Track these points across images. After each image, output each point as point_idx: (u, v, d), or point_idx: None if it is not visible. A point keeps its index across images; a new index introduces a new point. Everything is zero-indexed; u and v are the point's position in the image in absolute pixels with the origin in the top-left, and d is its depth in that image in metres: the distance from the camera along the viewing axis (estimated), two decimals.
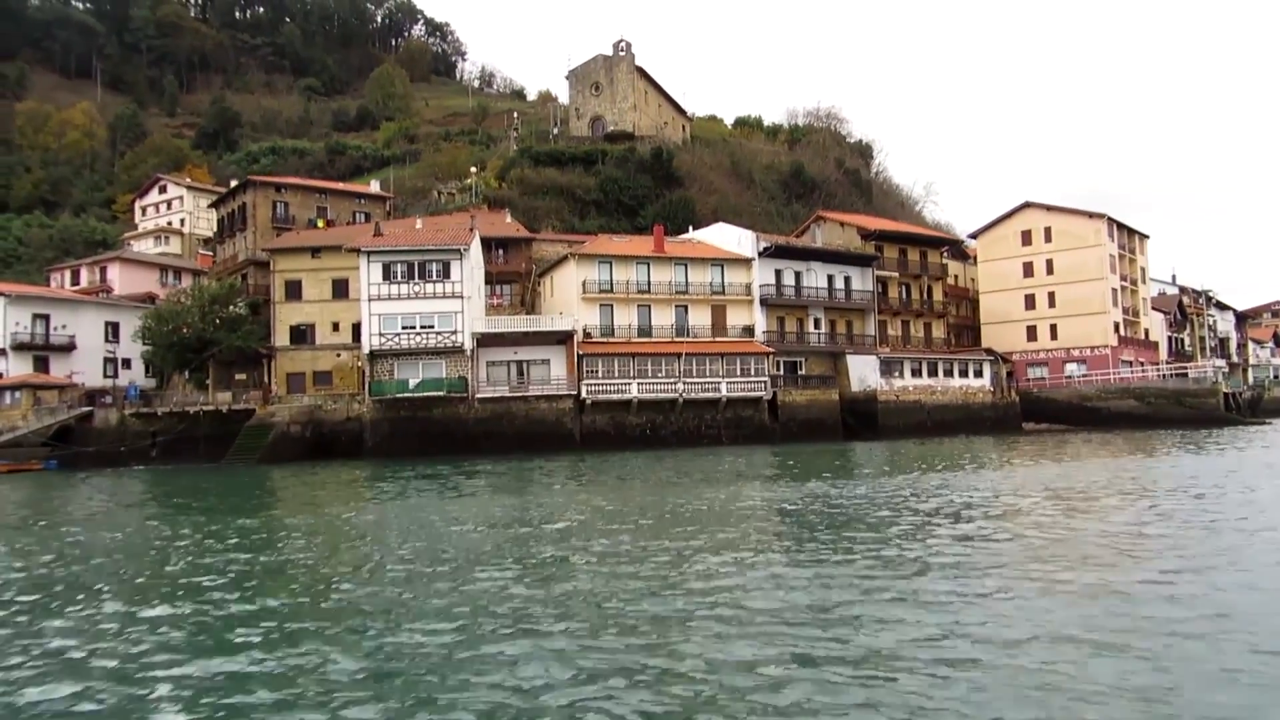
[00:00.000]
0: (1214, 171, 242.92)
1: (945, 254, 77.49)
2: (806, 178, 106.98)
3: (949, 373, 65.74)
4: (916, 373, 63.82)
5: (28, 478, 44.10)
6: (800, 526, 16.87)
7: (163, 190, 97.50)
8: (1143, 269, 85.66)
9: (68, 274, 74.22)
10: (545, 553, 14.85)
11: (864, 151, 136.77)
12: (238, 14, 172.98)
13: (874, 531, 16.40)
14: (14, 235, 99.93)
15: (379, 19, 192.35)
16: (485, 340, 53.64)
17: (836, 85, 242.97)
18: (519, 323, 55.20)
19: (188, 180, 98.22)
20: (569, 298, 57.48)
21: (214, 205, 76.17)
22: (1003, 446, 46.08)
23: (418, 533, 18.38)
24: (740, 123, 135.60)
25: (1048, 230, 78.37)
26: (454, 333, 52.54)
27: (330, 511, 23.19)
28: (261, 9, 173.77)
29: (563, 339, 54.58)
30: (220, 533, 19.65)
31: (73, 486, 37.23)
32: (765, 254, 61.06)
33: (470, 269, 53.64)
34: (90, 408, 53.77)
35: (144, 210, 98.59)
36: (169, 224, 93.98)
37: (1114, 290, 76.76)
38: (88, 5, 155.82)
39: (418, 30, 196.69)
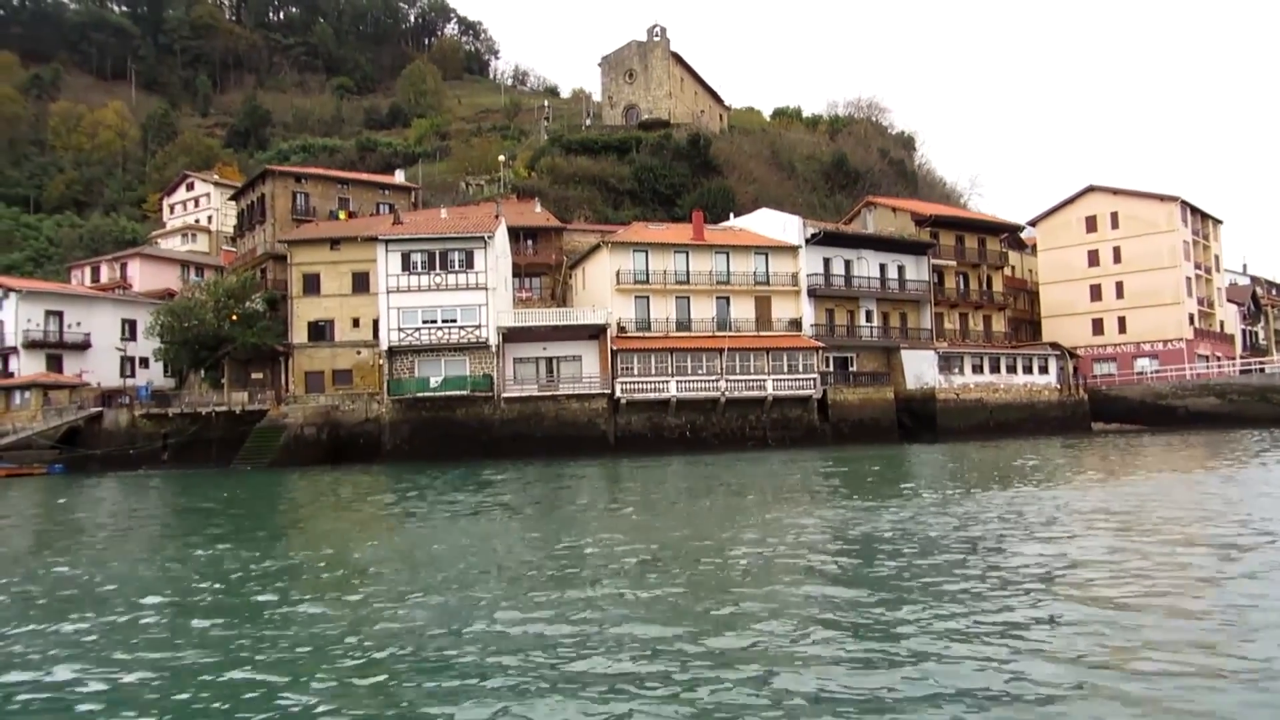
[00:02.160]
0: (1271, 153, 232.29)
1: (1004, 242, 72.49)
2: (849, 168, 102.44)
3: (1012, 369, 60.87)
4: (978, 369, 59.07)
5: (26, 483, 41.46)
6: (880, 593, 12.71)
7: (190, 188, 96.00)
8: (1216, 256, 79.90)
9: (88, 271, 72.42)
10: (558, 624, 11.04)
11: (907, 143, 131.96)
12: (271, 14, 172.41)
13: (969, 600, 12.18)
14: (45, 235, 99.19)
15: (412, 18, 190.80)
16: (512, 335, 50.14)
17: (876, 75, 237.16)
18: (548, 316, 51.53)
19: (215, 177, 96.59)
20: (602, 290, 53.73)
21: (233, 198, 73.81)
22: (1078, 452, 41.38)
23: (419, 582, 14.73)
24: (779, 113, 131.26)
25: (1114, 215, 73.16)
26: (478, 327, 49.11)
27: (326, 547, 19.54)
28: (295, 9, 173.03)
29: (595, 334, 50.86)
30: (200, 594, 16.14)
31: (57, 497, 34.30)
32: (813, 241, 56.73)
33: (495, 259, 50.20)
34: (101, 408, 51.29)
35: (171, 208, 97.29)
36: (196, 221, 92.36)
37: (1188, 279, 71.31)
38: (123, 8, 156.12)
39: (451, 29, 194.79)
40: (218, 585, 13.93)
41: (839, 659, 8.77)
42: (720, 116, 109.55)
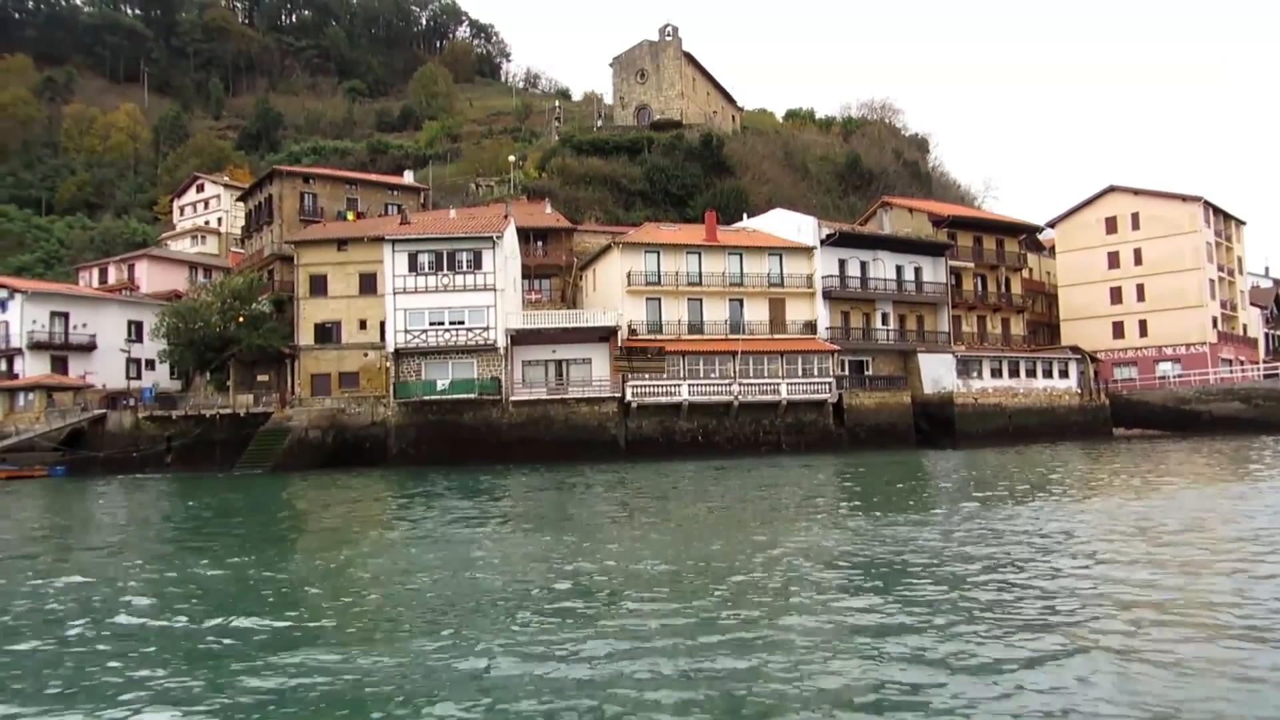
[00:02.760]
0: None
1: (1022, 244, 71.15)
2: (864, 169, 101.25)
3: (1031, 373, 59.48)
4: (996, 373, 57.72)
5: (26, 486, 40.78)
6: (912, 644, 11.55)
7: (200, 189, 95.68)
8: (1239, 259, 78.34)
9: (96, 272, 71.98)
10: (560, 659, 10.13)
11: (921, 145, 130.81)
12: (283, 17, 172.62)
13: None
14: (56, 237, 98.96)
15: (424, 21, 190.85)
16: (520, 337, 49.23)
17: (889, 76, 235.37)
18: (557, 318, 50.61)
19: (225, 179, 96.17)
20: (612, 291, 52.77)
21: (241, 198, 73.29)
22: (1104, 459, 40.07)
23: (413, 608, 13.83)
24: (791, 115, 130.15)
25: (1135, 216, 71.69)
26: (486, 329, 48.23)
27: (317, 563, 18.50)
28: (307, 12, 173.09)
29: (605, 336, 49.87)
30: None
31: (43, 502, 33.59)
32: (828, 242, 55.59)
33: (504, 259, 49.33)
34: (104, 410, 50.65)
35: (181, 210, 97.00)
36: (206, 223, 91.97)
37: (1211, 282, 69.77)
38: (136, 11, 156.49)
39: (462, 32, 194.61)
40: (193, 608, 13.02)
41: (870, 701, 7.77)
42: (733, 117, 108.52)
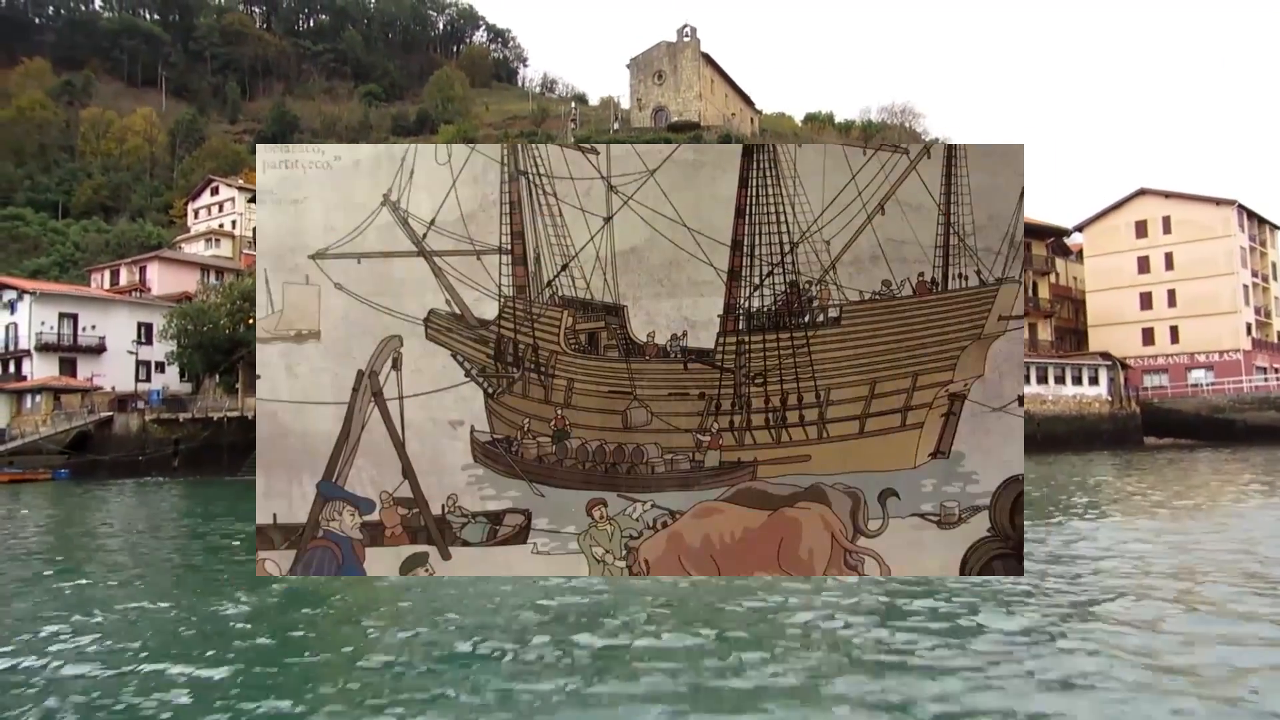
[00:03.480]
0: None
1: (1049, 247, 69.43)
2: None
3: (1060, 380, 57.77)
4: (1024, 379, 55.99)
5: (24, 490, 39.77)
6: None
7: (214, 192, 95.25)
8: (1274, 264, 76.29)
9: (107, 274, 71.37)
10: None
11: None
12: (300, 22, 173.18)
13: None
14: (71, 240, 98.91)
15: (441, 25, 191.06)
16: None
17: (909, 80, 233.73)
18: None
19: (240, 182, 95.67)
20: None
21: (252, 199, 72.48)
22: (1143, 470, 38.18)
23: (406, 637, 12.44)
24: (810, 118, 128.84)
25: (1166, 220, 69.89)
26: None
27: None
28: (324, 16, 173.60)
29: None
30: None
31: (34, 508, 32.56)
32: None
33: None
34: (111, 413, 49.78)
35: (196, 213, 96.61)
36: (220, 226, 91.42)
37: (1245, 287, 67.82)
38: (155, 16, 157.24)
39: (479, 36, 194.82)
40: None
41: None
42: (751, 120, 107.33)
